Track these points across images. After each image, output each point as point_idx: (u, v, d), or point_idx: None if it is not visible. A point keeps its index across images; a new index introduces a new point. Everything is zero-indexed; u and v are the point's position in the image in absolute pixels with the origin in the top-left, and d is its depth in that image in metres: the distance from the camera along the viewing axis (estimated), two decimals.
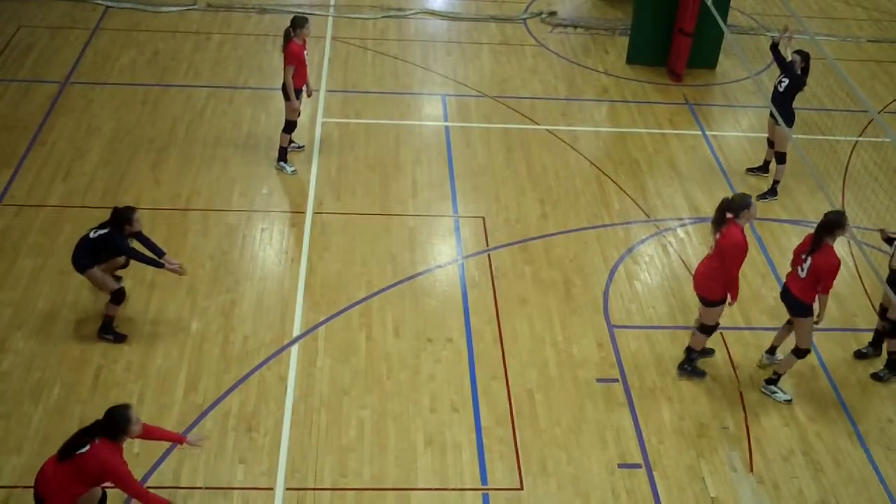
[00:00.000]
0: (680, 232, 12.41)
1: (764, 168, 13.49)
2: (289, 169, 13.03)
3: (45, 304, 10.59)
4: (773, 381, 10.10)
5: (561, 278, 11.52)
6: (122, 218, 9.76)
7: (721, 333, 10.76)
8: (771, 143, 13.31)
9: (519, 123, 14.50)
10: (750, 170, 13.65)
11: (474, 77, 15.76)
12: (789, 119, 12.63)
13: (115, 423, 7.51)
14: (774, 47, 12.94)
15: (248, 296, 10.92)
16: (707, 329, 9.98)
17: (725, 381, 10.23)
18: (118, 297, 10.10)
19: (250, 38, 16.50)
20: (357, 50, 16.33)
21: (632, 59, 16.47)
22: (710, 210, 12.76)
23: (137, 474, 8.66)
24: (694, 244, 12.16)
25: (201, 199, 12.35)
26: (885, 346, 10.49)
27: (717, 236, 9.48)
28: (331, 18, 17.28)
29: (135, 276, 10.97)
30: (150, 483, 8.67)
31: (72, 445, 7.49)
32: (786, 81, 12.63)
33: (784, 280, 9.92)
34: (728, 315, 11.01)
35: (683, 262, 11.86)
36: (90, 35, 16.18)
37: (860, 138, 14.59)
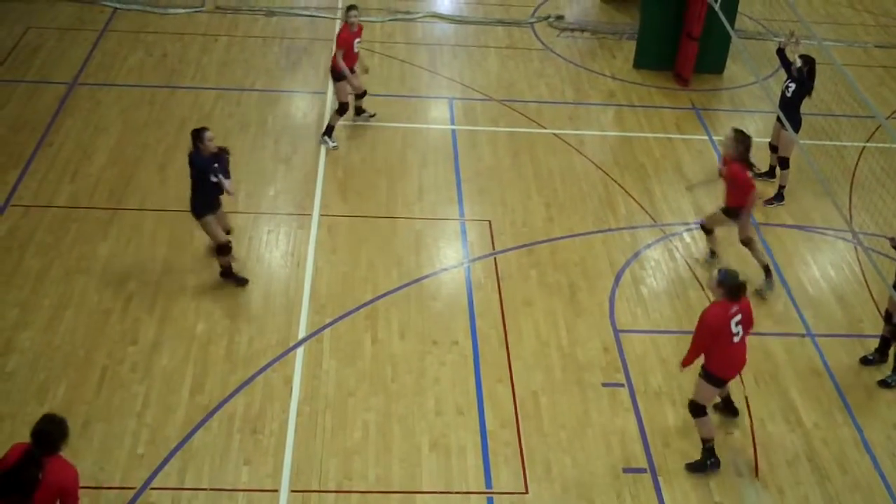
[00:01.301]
0: (686, 237, 12.39)
1: (770, 173, 13.46)
2: (331, 143, 13.62)
3: (52, 304, 10.60)
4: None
5: (567, 282, 11.51)
6: (194, 138, 10.35)
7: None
8: (774, 148, 13.29)
9: (525, 127, 14.50)
10: (757, 175, 13.59)
11: (481, 80, 15.76)
12: (796, 124, 12.62)
13: (57, 436, 6.99)
14: (780, 52, 12.95)
15: (254, 298, 10.92)
16: (695, 408, 9.15)
17: (731, 387, 10.19)
18: (222, 249, 10.82)
19: (258, 40, 16.53)
20: (364, 53, 16.26)
21: (639, 63, 16.46)
22: None
23: (141, 476, 8.73)
24: (700, 249, 12.13)
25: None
26: (891, 351, 10.46)
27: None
28: (338, 21, 17.29)
29: (140, 279, 10.99)
30: (154, 484, 8.68)
31: (24, 490, 6.81)
32: (793, 86, 12.64)
33: None
34: None
35: (689, 266, 11.84)
36: (98, 36, 16.21)
37: (867, 144, 14.56)
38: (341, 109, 13.49)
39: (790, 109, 12.60)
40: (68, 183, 12.53)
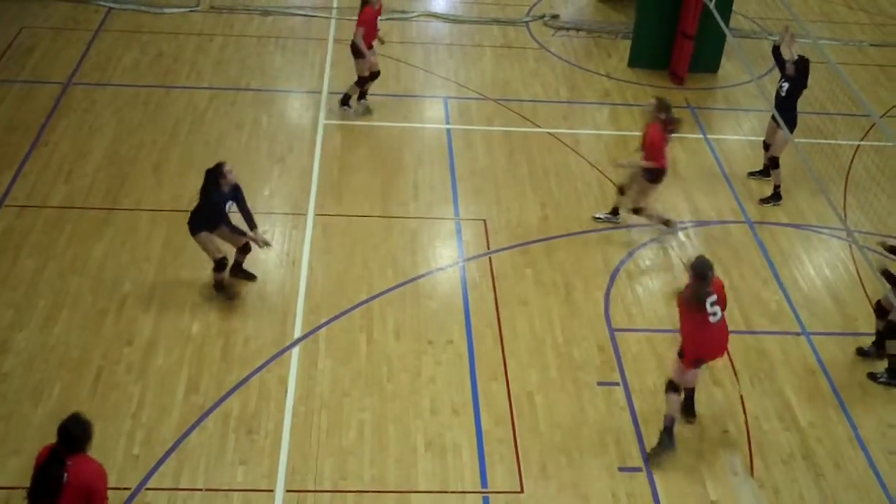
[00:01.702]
0: (681, 235, 12.40)
1: (765, 172, 13.47)
2: (350, 110, 14.35)
3: (47, 305, 10.59)
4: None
5: (562, 281, 11.51)
6: (215, 174, 10.25)
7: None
8: (767, 147, 13.29)
9: (520, 126, 14.50)
10: (752, 174, 13.64)
11: (476, 80, 15.76)
12: (792, 123, 12.61)
13: (79, 435, 7.01)
14: (776, 49, 12.95)
15: (249, 297, 10.92)
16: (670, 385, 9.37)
17: (726, 385, 10.22)
18: (219, 265, 10.61)
19: (253, 39, 16.51)
20: None
21: (634, 62, 16.47)
22: (711, 213, 12.82)
23: (137, 476, 8.72)
24: (695, 247, 12.15)
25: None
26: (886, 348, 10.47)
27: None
28: (333, 20, 17.29)
29: (135, 280, 10.98)
30: (150, 485, 8.67)
31: (51, 490, 6.87)
32: (786, 85, 12.65)
33: None
34: (729, 318, 10.99)
35: (685, 265, 11.82)
36: (92, 36, 16.20)
37: (862, 142, 14.58)
38: (360, 81, 14.20)
39: (785, 108, 12.60)
40: (63, 183, 12.52)
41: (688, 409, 9.72)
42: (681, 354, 9.20)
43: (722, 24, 14.64)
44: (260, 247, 10.62)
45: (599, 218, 12.51)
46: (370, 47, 13.92)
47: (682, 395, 9.42)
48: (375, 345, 10.41)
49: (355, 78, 14.21)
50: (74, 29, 16.39)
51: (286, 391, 9.75)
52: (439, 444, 9.32)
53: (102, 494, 7.04)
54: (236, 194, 10.46)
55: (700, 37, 15.75)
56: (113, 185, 12.55)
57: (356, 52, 13.86)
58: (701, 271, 8.83)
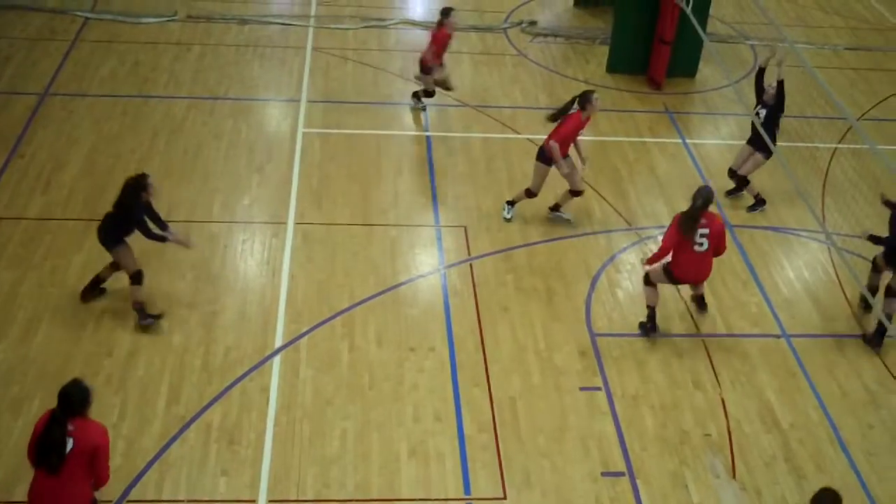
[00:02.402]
0: (661, 239, 12.41)
1: (739, 188, 13.29)
2: (416, 104, 14.83)
3: (25, 316, 10.52)
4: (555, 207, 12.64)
5: (543, 286, 11.53)
6: (137, 186, 10.09)
7: (703, 340, 10.82)
8: (732, 173, 13.11)
9: (500, 133, 14.52)
10: (729, 193, 13.43)
11: (455, 86, 15.76)
12: (773, 143, 12.42)
13: (79, 400, 7.32)
14: (760, 73, 12.80)
15: (229, 307, 10.88)
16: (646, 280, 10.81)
17: (707, 388, 10.26)
18: (138, 277, 10.39)
19: (231, 48, 16.48)
20: (338, 60, 16.33)
21: (612, 67, 16.53)
22: None
23: (118, 488, 8.66)
24: None
25: (182, 211, 12.30)
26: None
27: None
28: (311, 29, 17.28)
29: (114, 291, 10.92)
30: (131, 496, 8.62)
31: (56, 452, 7.17)
32: (763, 112, 12.58)
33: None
34: (710, 322, 11.09)
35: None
36: (69, 46, 16.13)
37: (839, 145, 14.68)
38: (427, 94, 14.63)
39: (767, 131, 12.37)
40: (41, 194, 12.45)
41: (700, 305, 11.21)
42: (665, 268, 10.49)
43: (699, 29, 14.73)
44: (187, 247, 10.72)
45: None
46: (440, 64, 14.34)
47: (658, 289, 10.73)
48: (357, 353, 10.39)
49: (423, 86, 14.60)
50: (51, 39, 16.33)
51: (268, 400, 9.72)
52: (422, 451, 9.31)
53: (106, 453, 7.38)
54: (149, 212, 10.25)
55: (677, 42, 15.83)
56: (91, 196, 12.49)
57: (424, 70, 14.29)
58: (698, 196, 10.09)
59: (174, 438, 9.23)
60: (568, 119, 11.89)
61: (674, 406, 10.02)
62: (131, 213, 10.11)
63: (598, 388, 10.17)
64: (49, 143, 13.53)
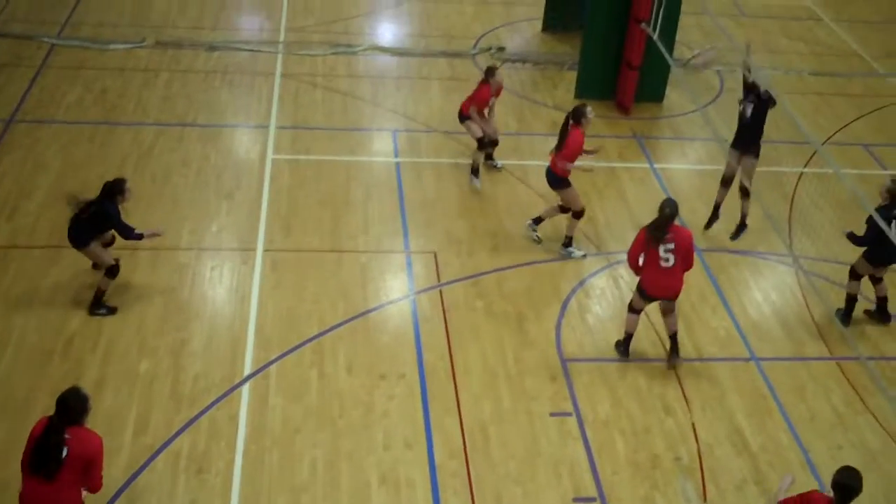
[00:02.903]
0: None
1: (715, 214, 13.22)
2: (477, 183, 13.82)
3: None
4: (566, 244, 12.54)
5: (513, 312, 11.53)
6: (115, 189, 10.53)
7: (667, 357, 10.85)
8: (726, 182, 12.96)
9: (469, 158, 14.53)
10: (707, 226, 13.31)
11: (424, 112, 15.82)
12: (757, 149, 12.43)
13: (77, 408, 7.40)
14: (747, 71, 12.64)
15: (198, 335, 10.80)
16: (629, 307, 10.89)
17: (678, 413, 10.28)
18: (113, 271, 10.83)
19: (199, 75, 16.45)
20: (306, 86, 16.33)
21: (580, 93, 16.61)
22: None
23: None
24: None
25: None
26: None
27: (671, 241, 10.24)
28: (280, 55, 17.28)
29: (82, 318, 10.82)
30: None
31: (53, 459, 7.26)
32: (751, 106, 12.32)
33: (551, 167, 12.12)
34: (680, 347, 11.10)
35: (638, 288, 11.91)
36: (36, 73, 16.03)
37: (805, 169, 14.82)
38: (480, 144, 13.73)
39: (751, 133, 12.31)
40: (6, 221, 12.34)
41: (673, 351, 10.87)
42: (638, 287, 10.59)
43: (666, 55, 14.85)
44: (159, 234, 11.08)
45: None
46: (481, 116, 13.70)
47: (639, 317, 10.83)
48: (327, 380, 10.34)
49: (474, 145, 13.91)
50: (17, 65, 16.22)
51: (237, 429, 9.64)
52: (393, 478, 9.25)
53: (100, 464, 7.46)
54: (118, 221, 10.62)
55: (645, 67, 15.96)
56: (58, 223, 12.33)
57: (461, 117, 13.82)
58: (665, 206, 10.15)
59: (142, 468, 9.13)
60: (570, 138, 11.97)
61: (645, 430, 10.03)
62: (107, 215, 10.52)
63: (569, 414, 10.17)
64: (15, 170, 13.42)
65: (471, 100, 13.65)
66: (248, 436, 9.57)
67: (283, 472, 9.23)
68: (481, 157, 13.91)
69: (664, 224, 10.14)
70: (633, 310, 10.76)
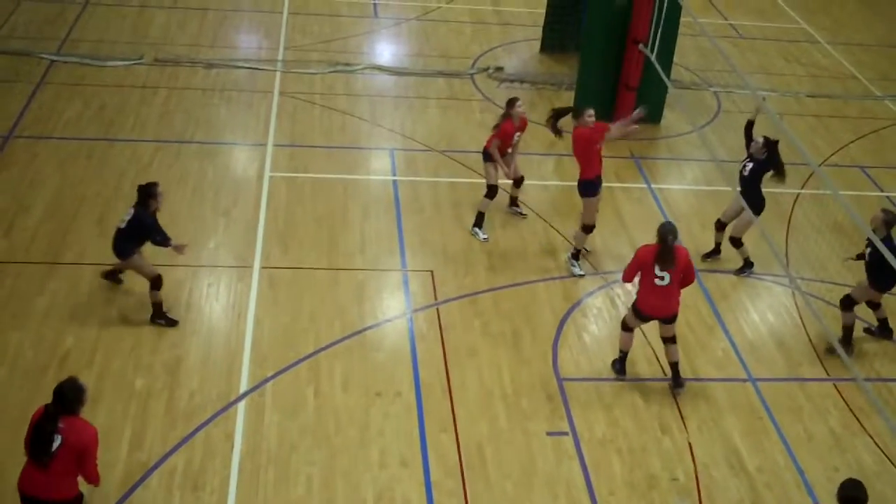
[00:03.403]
0: (628, 284, 12.46)
1: (716, 251, 13.17)
2: (481, 235, 13.17)
3: None
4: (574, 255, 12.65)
5: (510, 331, 11.52)
6: (146, 194, 10.69)
7: (670, 384, 10.83)
8: (721, 226, 12.94)
9: (466, 177, 14.56)
10: (706, 256, 13.25)
11: (422, 131, 15.84)
12: (758, 204, 12.29)
13: (72, 399, 7.55)
14: (749, 126, 12.73)
15: (194, 351, 10.77)
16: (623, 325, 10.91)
17: (675, 433, 10.26)
18: (158, 282, 10.92)
19: (197, 92, 16.47)
20: (305, 105, 16.36)
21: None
22: None
23: None
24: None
25: (146, 255, 12.19)
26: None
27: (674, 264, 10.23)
28: (278, 73, 17.32)
29: (77, 335, 10.80)
30: None
31: (43, 447, 7.44)
32: (750, 165, 12.38)
33: None
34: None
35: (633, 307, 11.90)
36: (34, 89, 16.05)
37: (802, 190, 14.85)
38: (490, 192, 13.08)
39: (749, 189, 12.32)
40: (3, 237, 12.32)
41: (675, 379, 10.81)
42: (633, 306, 10.63)
43: (663, 76, 14.91)
44: (180, 252, 11.01)
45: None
46: (503, 155, 12.98)
47: (633, 335, 10.84)
48: (323, 398, 10.31)
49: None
50: (16, 81, 16.24)
51: (232, 446, 9.60)
52: (388, 497, 9.22)
53: (93, 455, 7.59)
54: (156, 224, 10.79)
55: (642, 88, 16.00)
56: (55, 239, 12.37)
57: (485, 156, 13.05)
58: (667, 232, 10.16)
59: (137, 484, 9.09)
60: (580, 135, 12.12)
61: (641, 450, 10.00)
62: (143, 224, 10.64)
63: (566, 433, 10.14)
64: (12, 185, 13.41)
65: (494, 136, 12.95)
66: (243, 453, 9.53)
67: (279, 489, 9.19)
68: (488, 205, 13.20)
69: (670, 252, 10.13)
70: (627, 328, 10.77)
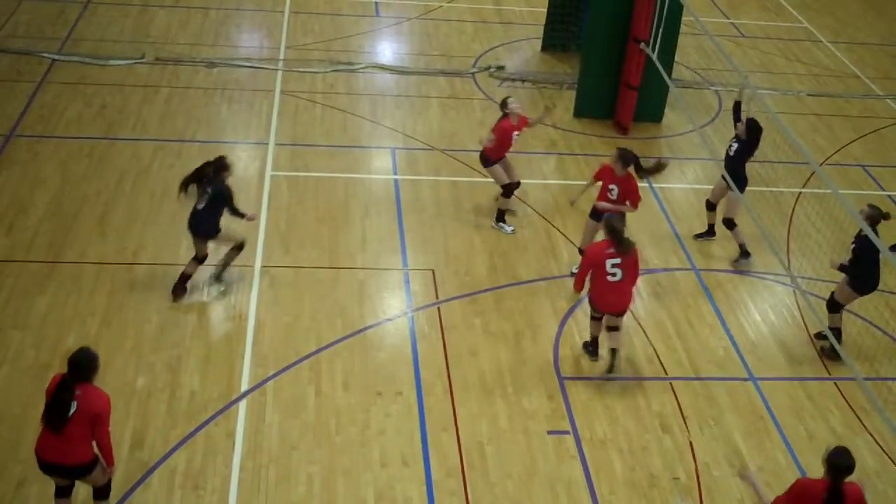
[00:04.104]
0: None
1: (710, 232, 13.39)
2: (507, 229, 13.34)
3: None
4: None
5: (511, 330, 11.52)
6: (220, 167, 11.16)
7: (671, 384, 10.83)
8: (711, 206, 13.21)
9: (467, 176, 14.56)
10: (697, 236, 13.52)
11: (423, 130, 15.84)
12: (742, 183, 12.57)
13: (87, 367, 7.88)
14: (737, 105, 12.91)
15: (195, 351, 10.77)
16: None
17: (675, 432, 10.26)
18: (242, 245, 11.63)
19: (199, 91, 16.47)
20: (306, 103, 16.36)
21: (579, 112, 16.66)
22: (657, 261, 12.95)
23: None
24: (642, 295, 12.23)
25: (148, 254, 12.22)
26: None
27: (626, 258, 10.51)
28: (280, 72, 17.32)
29: (78, 334, 10.80)
30: None
31: (59, 413, 7.74)
32: (736, 145, 12.64)
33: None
34: (677, 365, 11.11)
35: (631, 313, 11.90)
36: (36, 88, 16.06)
37: (803, 190, 14.85)
38: (506, 192, 13.21)
39: (734, 168, 12.53)
40: (4, 236, 12.32)
41: (611, 365, 10.96)
42: (589, 300, 10.88)
43: (664, 75, 14.90)
44: (251, 219, 11.58)
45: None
46: (502, 157, 13.03)
47: (601, 322, 10.92)
48: (324, 397, 10.31)
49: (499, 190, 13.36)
50: (17, 80, 16.24)
51: (233, 445, 9.61)
52: (389, 496, 9.22)
53: (106, 420, 7.89)
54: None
55: (644, 87, 16.00)
56: (56, 238, 12.37)
57: (487, 162, 13.08)
58: (612, 227, 10.43)
59: (138, 484, 9.09)
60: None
61: (642, 449, 10.00)
62: (224, 195, 11.11)
63: (567, 432, 10.14)
64: (13, 184, 13.41)
65: (492, 139, 12.86)
66: (244, 452, 9.54)
67: (280, 489, 9.19)
68: (510, 204, 13.42)
69: (621, 236, 10.44)
70: (593, 317, 10.98)
